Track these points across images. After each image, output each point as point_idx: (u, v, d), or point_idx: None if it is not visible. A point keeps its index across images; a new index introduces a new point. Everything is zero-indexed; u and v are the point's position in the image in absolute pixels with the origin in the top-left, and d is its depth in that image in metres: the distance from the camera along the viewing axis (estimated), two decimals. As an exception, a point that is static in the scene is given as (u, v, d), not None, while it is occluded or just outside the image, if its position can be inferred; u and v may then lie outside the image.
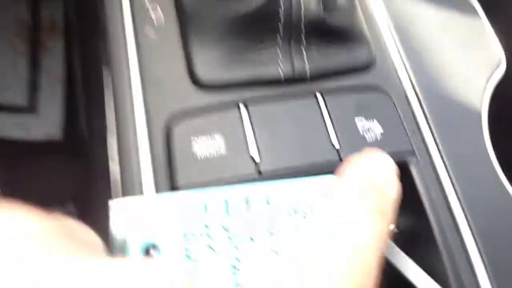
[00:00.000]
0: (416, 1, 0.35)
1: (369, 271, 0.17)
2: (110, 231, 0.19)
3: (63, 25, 0.56)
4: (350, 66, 0.32)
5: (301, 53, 0.31)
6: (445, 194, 0.29)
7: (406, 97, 0.32)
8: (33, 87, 0.47)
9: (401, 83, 0.32)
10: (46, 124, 0.43)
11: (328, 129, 0.29)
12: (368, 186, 0.19)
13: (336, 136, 0.29)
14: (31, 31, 0.52)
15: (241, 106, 0.29)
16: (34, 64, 0.48)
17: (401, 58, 0.33)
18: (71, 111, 0.43)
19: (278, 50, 0.30)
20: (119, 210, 0.20)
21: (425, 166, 0.30)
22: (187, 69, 0.30)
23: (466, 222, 0.28)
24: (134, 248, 0.19)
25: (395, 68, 0.32)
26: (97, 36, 0.37)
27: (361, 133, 0.29)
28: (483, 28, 0.35)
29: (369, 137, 0.29)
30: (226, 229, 0.20)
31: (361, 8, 0.34)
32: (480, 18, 0.36)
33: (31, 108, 0.45)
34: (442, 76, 0.33)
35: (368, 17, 0.34)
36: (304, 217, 0.20)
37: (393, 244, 0.26)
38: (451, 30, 0.35)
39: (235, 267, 0.19)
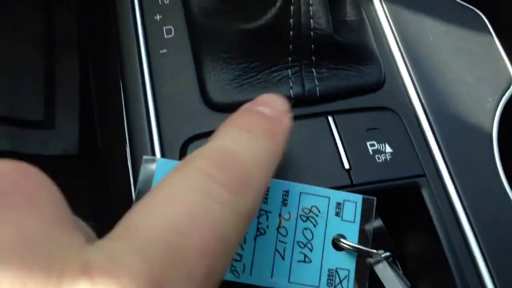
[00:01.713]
0: (426, 20, 0.35)
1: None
2: (138, 184, 0.21)
3: (77, 37, 0.57)
4: (360, 86, 0.32)
5: (312, 74, 0.31)
6: (457, 216, 0.29)
7: (416, 117, 0.32)
8: (50, 102, 0.48)
9: (411, 103, 0.32)
10: (63, 139, 0.44)
11: (339, 150, 0.29)
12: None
13: (347, 157, 0.29)
14: (46, 45, 0.53)
15: (253, 127, 0.29)
16: (50, 78, 0.49)
17: (411, 77, 0.33)
18: (87, 126, 0.44)
19: (289, 71, 0.31)
20: (150, 164, 0.22)
21: (436, 188, 0.30)
22: (200, 91, 0.31)
23: (477, 244, 0.28)
24: None
25: (405, 88, 0.33)
26: (110, 49, 0.38)
27: (371, 153, 0.30)
28: (494, 48, 0.35)
29: (378, 157, 0.30)
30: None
31: (371, 28, 0.34)
32: (492, 38, 0.36)
33: (48, 123, 0.46)
34: (452, 96, 0.33)
35: (378, 36, 0.34)
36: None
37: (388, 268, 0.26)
38: (461, 50, 0.35)
39: None
